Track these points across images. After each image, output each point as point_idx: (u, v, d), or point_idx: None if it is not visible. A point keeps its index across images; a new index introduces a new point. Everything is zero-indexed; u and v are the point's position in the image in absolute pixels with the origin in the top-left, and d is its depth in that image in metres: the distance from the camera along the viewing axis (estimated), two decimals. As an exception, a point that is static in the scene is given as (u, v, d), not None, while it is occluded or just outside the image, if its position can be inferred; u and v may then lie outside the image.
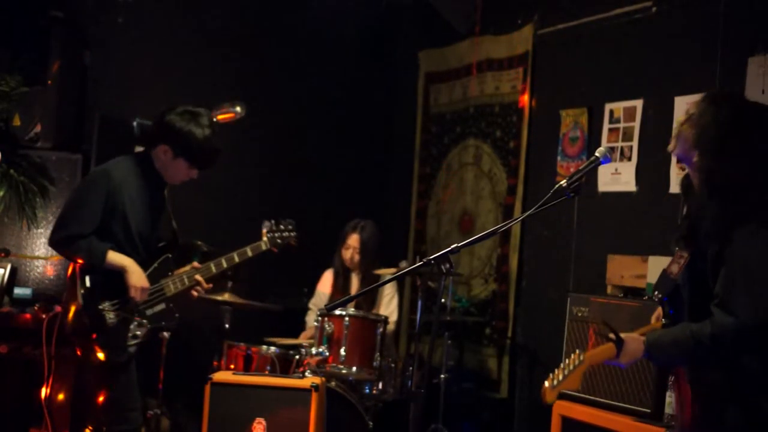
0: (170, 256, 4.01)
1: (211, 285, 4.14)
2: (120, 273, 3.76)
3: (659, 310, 2.83)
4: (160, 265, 3.96)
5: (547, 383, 2.60)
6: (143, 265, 3.86)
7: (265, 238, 4.29)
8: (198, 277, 4.03)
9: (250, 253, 4.20)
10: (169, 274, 3.99)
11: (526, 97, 5.56)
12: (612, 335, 2.62)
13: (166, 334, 4.88)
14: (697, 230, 2.57)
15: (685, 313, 2.59)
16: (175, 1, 5.95)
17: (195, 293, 4.08)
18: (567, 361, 2.64)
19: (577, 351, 2.66)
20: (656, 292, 2.70)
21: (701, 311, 2.52)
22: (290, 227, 4.38)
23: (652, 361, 2.63)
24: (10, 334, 4.76)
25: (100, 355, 3.72)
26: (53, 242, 3.81)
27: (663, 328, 2.70)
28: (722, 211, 2.50)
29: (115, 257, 3.76)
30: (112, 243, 3.77)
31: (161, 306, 3.92)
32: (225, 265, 4.12)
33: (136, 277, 3.78)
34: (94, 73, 5.52)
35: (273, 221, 4.37)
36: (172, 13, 5.88)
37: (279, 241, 4.32)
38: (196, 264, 4.09)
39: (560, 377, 2.60)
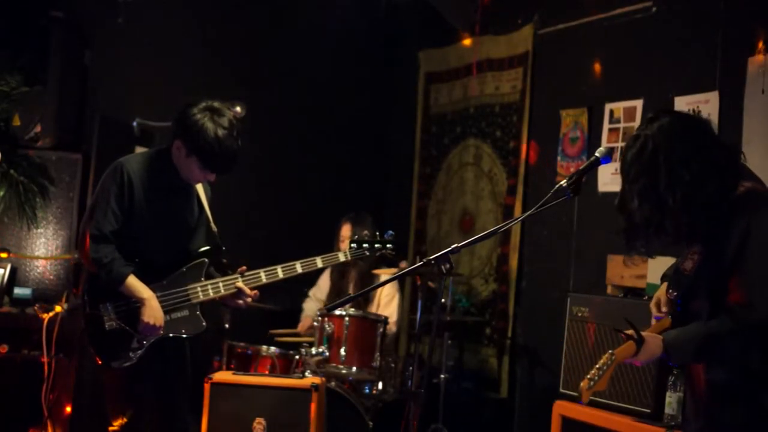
0: (206, 260, 3.76)
1: (257, 293, 3.78)
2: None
3: (656, 297, 2.81)
4: (189, 270, 3.72)
5: (584, 384, 2.58)
6: (167, 267, 3.68)
7: (347, 249, 3.97)
8: (239, 284, 3.73)
9: (320, 264, 3.85)
10: (201, 279, 3.73)
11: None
12: (633, 333, 2.60)
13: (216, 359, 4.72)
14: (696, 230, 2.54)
15: (704, 311, 2.55)
16: (175, 1, 5.95)
17: (241, 302, 3.78)
18: (601, 362, 2.61)
19: (609, 352, 2.63)
20: (671, 290, 2.67)
21: (716, 306, 2.49)
22: (387, 240, 3.98)
23: (670, 361, 2.61)
24: (10, 335, 4.76)
25: (97, 359, 3.63)
26: (77, 248, 3.67)
27: (672, 324, 2.68)
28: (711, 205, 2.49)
29: (134, 285, 3.55)
30: (125, 239, 3.58)
31: (183, 312, 3.67)
32: (281, 275, 3.78)
33: (150, 312, 3.55)
34: (95, 73, 5.52)
35: (366, 232, 4.01)
36: (172, 13, 5.88)
37: (366, 254, 3.96)
38: (243, 269, 3.76)
39: (596, 377, 2.59)
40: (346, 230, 5.33)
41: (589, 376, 2.60)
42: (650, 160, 2.52)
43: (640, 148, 2.55)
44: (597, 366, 2.61)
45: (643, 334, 2.61)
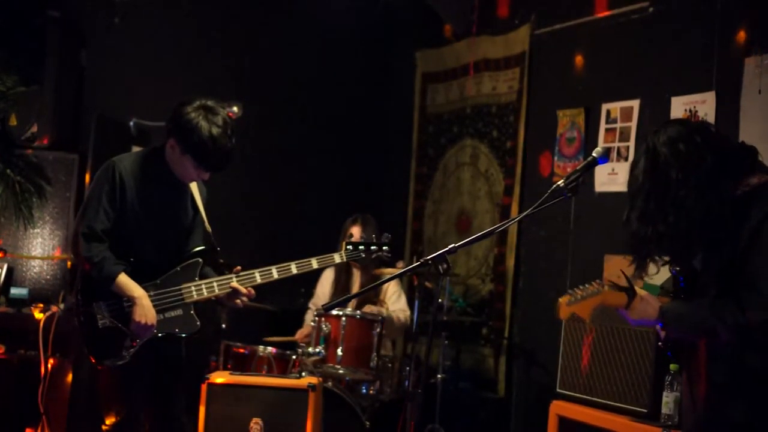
0: (200, 260, 3.75)
1: (253, 292, 3.76)
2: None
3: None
4: (183, 269, 3.72)
5: (562, 299, 2.60)
6: (161, 267, 3.68)
7: (342, 251, 3.93)
8: (234, 284, 3.72)
9: (315, 265, 3.83)
10: (196, 279, 3.72)
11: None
12: (626, 284, 2.60)
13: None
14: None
15: (709, 291, 2.54)
16: (171, 1, 5.95)
17: (238, 302, 3.77)
18: (587, 285, 2.62)
19: (598, 281, 2.64)
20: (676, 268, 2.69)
21: (722, 288, 2.49)
22: (382, 242, 3.95)
23: (665, 329, 2.61)
24: (6, 335, 4.76)
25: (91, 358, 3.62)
26: (70, 245, 3.66)
27: (673, 299, 2.67)
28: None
29: (125, 283, 3.54)
30: (119, 238, 3.59)
31: (177, 312, 3.66)
32: (276, 275, 3.77)
33: (141, 311, 3.54)
34: (91, 72, 5.52)
35: (364, 235, 3.99)
36: (168, 12, 5.88)
37: (362, 256, 3.92)
38: (238, 269, 3.75)
39: (578, 296, 2.59)
40: (356, 231, 5.26)
41: (570, 291, 2.60)
42: (659, 178, 2.53)
43: (650, 164, 2.56)
44: (582, 287, 2.60)
45: (641, 293, 2.61)
